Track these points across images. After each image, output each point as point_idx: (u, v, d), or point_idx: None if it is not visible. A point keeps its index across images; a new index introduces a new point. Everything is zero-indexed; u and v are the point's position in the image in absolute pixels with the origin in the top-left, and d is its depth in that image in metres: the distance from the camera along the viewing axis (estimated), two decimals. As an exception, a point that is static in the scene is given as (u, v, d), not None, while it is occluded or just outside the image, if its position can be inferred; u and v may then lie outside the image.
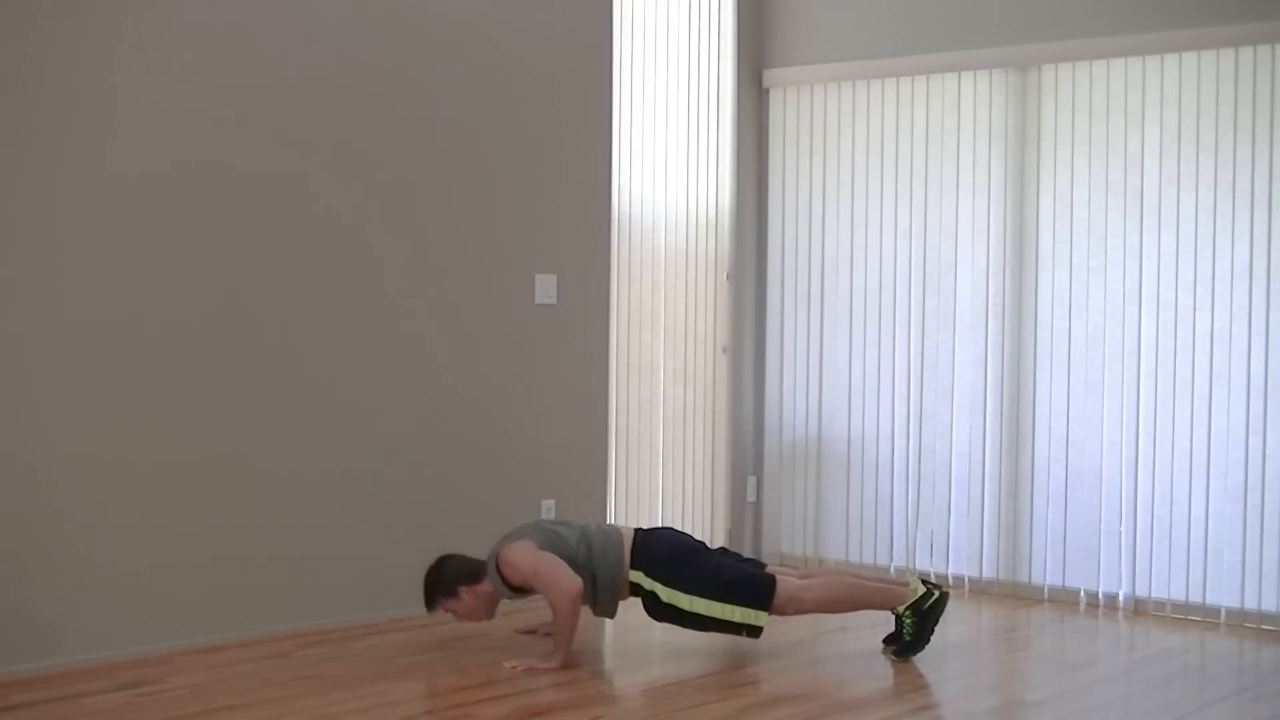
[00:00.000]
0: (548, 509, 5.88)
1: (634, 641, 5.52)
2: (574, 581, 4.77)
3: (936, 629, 4.97)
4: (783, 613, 4.93)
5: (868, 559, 6.67)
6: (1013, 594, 6.23)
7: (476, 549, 5.75)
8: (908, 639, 4.95)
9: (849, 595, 5.01)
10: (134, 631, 4.75)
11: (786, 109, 6.94)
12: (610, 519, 6.25)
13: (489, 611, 5.02)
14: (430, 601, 4.99)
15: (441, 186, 5.61)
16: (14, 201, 4.47)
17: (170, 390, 4.84)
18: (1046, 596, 6.16)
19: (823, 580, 5.04)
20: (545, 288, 5.95)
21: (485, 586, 4.94)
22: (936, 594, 4.97)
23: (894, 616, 4.98)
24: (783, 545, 6.93)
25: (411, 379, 5.52)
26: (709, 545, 5.18)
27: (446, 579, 4.96)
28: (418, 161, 5.54)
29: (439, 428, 5.62)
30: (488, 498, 5.79)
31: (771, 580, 4.88)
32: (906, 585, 5.01)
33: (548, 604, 4.82)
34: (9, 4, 4.45)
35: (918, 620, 4.93)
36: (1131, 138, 5.96)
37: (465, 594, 4.95)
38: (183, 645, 4.84)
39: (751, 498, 6.94)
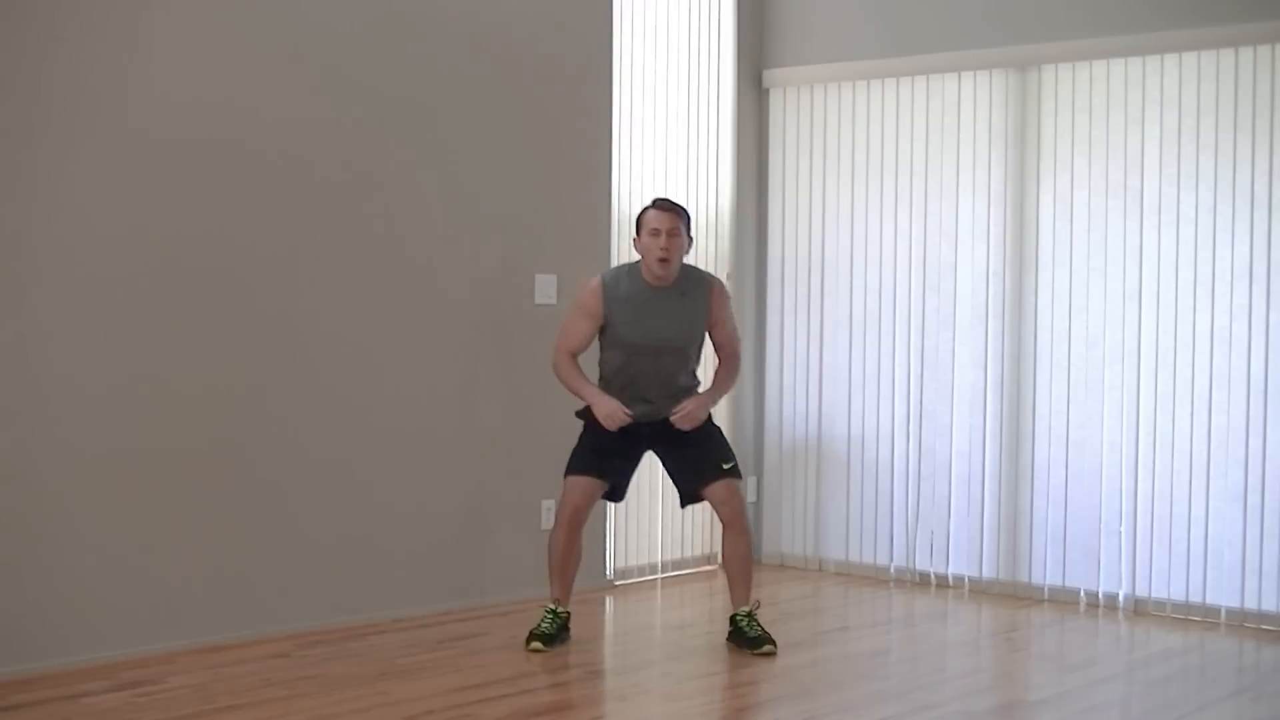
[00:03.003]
0: (548, 509, 5.88)
1: (634, 642, 5.53)
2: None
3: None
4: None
5: (868, 559, 6.67)
6: (1013, 594, 6.23)
7: (477, 548, 5.77)
8: (547, 629, 5.10)
9: (562, 565, 5.16)
10: (134, 631, 4.75)
11: (786, 109, 6.94)
12: (608, 519, 6.25)
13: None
14: (680, 211, 5.11)
15: (441, 186, 5.61)
16: (13, 204, 4.47)
17: (171, 391, 4.84)
18: (1046, 596, 6.16)
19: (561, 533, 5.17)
20: (545, 288, 5.95)
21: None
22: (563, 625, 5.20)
23: (554, 611, 5.16)
24: (783, 545, 6.93)
25: (412, 378, 5.53)
26: None
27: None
28: (418, 161, 5.53)
29: (439, 427, 5.63)
30: (488, 498, 5.79)
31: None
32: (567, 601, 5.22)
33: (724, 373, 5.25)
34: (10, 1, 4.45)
35: (558, 623, 5.13)
36: (1131, 138, 5.95)
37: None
38: (183, 645, 4.85)
39: (751, 498, 6.93)
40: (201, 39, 4.91)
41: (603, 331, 5.16)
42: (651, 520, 6.49)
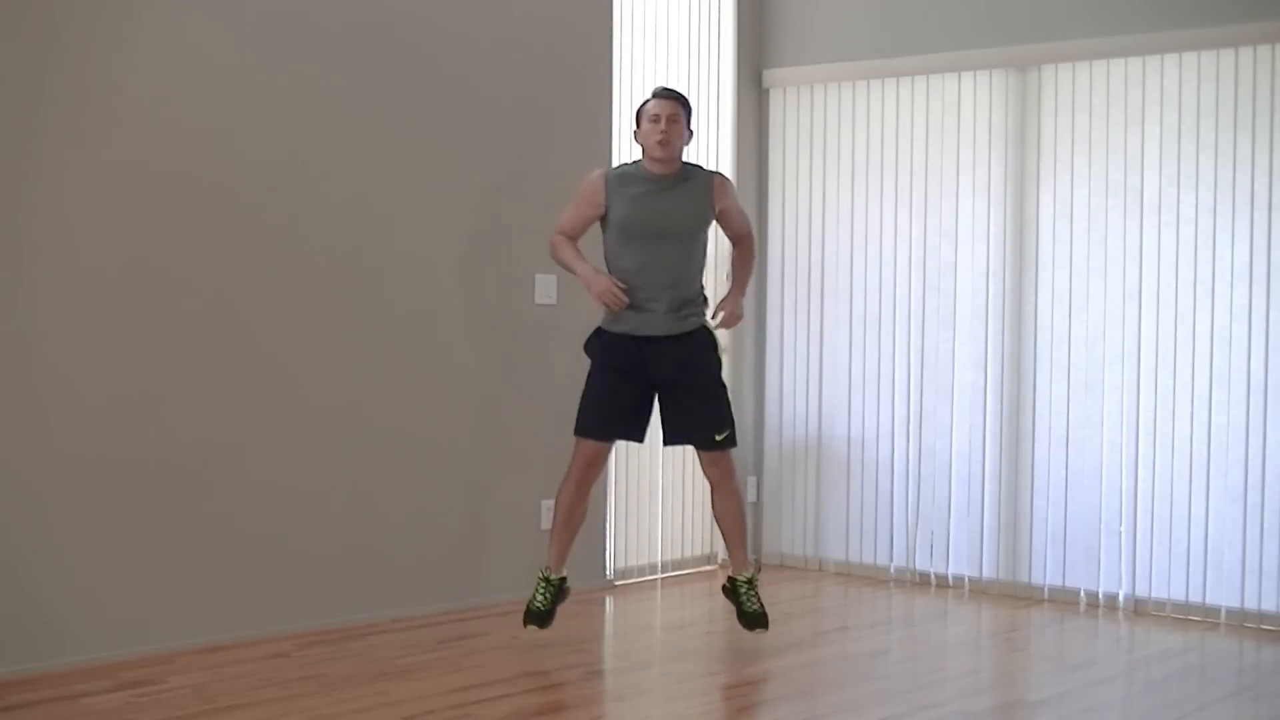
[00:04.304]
0: (547, 509, 5.88)
1: (634, 642, 5.53)
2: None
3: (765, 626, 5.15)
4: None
5: (868, 559, 6.67)
6: (1013, 594, 6.23)
7: (477, 548, 5.77)
8: (541, 606, 5.08)
9: (566, 520, 5.14)
10: (134, 631, 4.75)
11: (786, 109, 6.94)
12: (609, 518, 6.25)
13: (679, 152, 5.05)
14: (680, 98, 5.05)
15: (442, 186, 5.61)
16: (14, 202, 4.47)
17: (170, 390, 4.84)
18: (1046, 596, 6.16)
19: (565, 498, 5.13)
20: (545, 288, 5.95)
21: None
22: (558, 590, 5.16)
23: (546, 579, 5.13)
24: (783, 545, 6.93)
25: (411, 379, 5.53)
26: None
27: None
28: (417, 161, 5.54)
29: (439, 428, 5.63)
30: (487, 498, 5.79)
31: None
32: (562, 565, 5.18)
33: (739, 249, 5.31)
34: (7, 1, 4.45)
35: (551, 592, 5.10)
36: (1131, 138, 5.96)
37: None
38: (183, 645, 4.85)
39: (751, 498, 6.93)
40: (201, 40, 4.91)
41: (605, 226, 5.08)
42: (651, 520, 6.49)
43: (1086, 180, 6.07)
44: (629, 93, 6.38)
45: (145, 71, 4.77)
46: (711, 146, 6.79)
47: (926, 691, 4.65)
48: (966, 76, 6.38)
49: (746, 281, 5.34)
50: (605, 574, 6.25)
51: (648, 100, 5.08)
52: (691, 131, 5.10)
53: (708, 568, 6.71)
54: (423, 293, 5.56)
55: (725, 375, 6.92)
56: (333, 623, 5.25)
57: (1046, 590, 6.17)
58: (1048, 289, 6.17)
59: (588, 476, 5.12)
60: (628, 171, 5.11)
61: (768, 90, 6.98)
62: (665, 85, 5.45)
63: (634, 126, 5.12)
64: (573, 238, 5.14)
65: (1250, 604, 5.69)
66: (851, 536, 6.74)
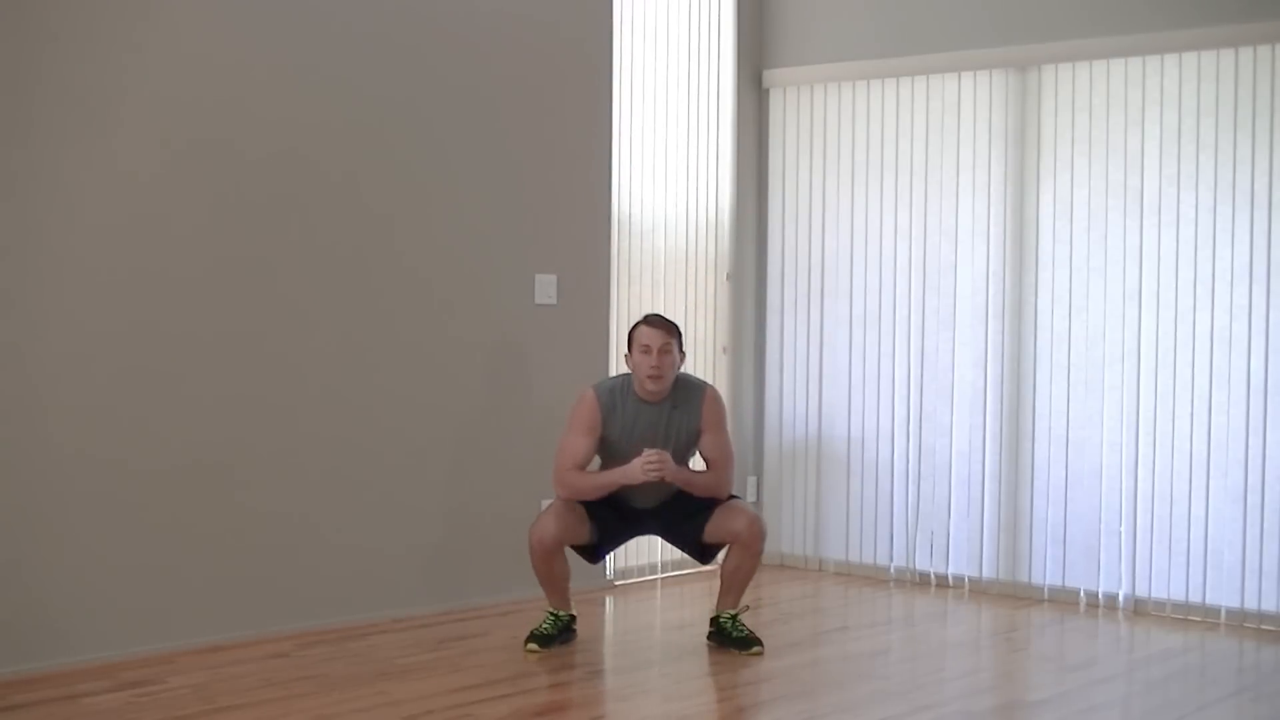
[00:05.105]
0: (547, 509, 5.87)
1: (634, 642, 5.52)
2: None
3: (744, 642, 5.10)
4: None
5: (868, 559, 6.67)
6: (1013, 594, 6.23)
7: (477, 548, 5.77)
8: (546, 630, 5.08)
9: (548, 577, 5.09)
10: (134, 631, 4.75)
11: (786, 109, 6.94)
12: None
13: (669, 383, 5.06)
14: (671, 328, 5.06)
15: (442, 186, 5.61)
16: (14, 202, 4.47)
17: (170, 390, 4.84)
18: (1046, 596, 6.16)
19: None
20: (545, 288, 5.95)
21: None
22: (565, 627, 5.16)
23: (554, 614, 5.13)
24: (783, 545, 6.93)
25: (412, 379, 5.53)
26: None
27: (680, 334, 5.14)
28: (418, 161, 5.54)
29: (439, 428, 5.63)
30: (487, 498, 5.79)
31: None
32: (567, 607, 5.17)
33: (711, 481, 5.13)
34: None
35: (559, 624, 5.10)
36: (1131, 138, 5.96)
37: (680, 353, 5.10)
38: (183, 645, 4.85)
39: (751, 498, 6.94)
40: (201, 42, 4.91)
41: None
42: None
43: (1086, 180, 6.07)
44: (629, 93, 6.38)
45: (146, 73, 4.77)
46: (711, 146, 6.79)
47: (926, 691, 4.65)
48: (966, 76, 6.38)
49: (697, 483, 5.09)
50: (605, 574, 6.24)
51: (639, 325, 5.07)
52: (683, 354, 5.13)
53: (708, 568, 6.71)
54: (423, 293, 5.56)
55: (726, 375, 6.95)
56: (333, 623, 5.25)
57: (1046, 590, 6.17)
58: (1048, 289, 6.17)
59: (543, 550, 5.02)
60: (617, 390, 5.09)
61: (768, 90, 6.98)
62: (657, 313, 5.33)
63: (625, 350, 5.14)
64: (584, 467, 5.08)
65: (1250, 604, 5.69)
66: (851, 536, 6.73)
